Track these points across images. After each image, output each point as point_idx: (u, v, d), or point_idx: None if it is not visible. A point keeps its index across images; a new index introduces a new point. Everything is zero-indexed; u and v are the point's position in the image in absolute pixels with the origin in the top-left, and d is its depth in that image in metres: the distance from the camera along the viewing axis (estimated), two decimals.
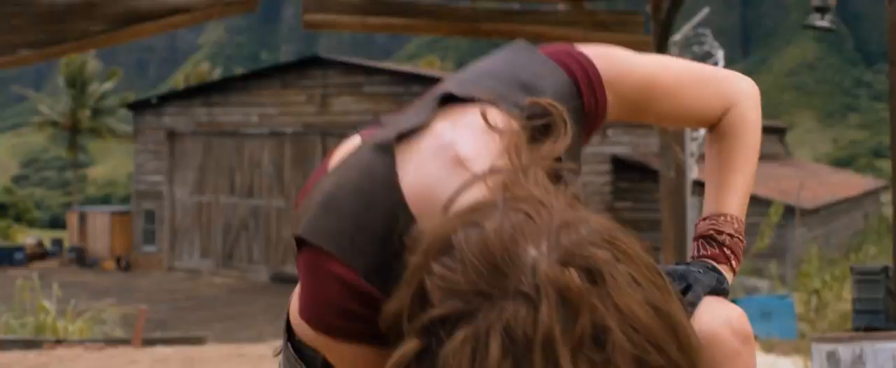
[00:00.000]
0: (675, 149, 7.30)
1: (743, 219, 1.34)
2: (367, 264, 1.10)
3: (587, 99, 1.23)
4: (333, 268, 1.10)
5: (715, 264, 1.27)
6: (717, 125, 1.39)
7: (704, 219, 1.33)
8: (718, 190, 1.36)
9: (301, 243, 1.13)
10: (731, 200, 1.34)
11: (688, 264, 1.26)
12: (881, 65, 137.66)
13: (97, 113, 47.76)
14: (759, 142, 1.39)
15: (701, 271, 1.23)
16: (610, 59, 1.27)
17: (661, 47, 7.22)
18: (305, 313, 1.14)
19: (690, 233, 8.25)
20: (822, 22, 4.28)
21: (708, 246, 1.29)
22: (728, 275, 1.27)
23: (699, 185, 10.86)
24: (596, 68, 1.25)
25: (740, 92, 1.38)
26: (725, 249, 1.29)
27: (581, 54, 1.26)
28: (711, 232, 1.30)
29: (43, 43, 6.42)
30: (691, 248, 1.33)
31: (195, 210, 25.94)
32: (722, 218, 1.32)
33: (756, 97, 1.41)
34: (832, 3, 4.18)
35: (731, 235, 1.30)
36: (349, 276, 1.09)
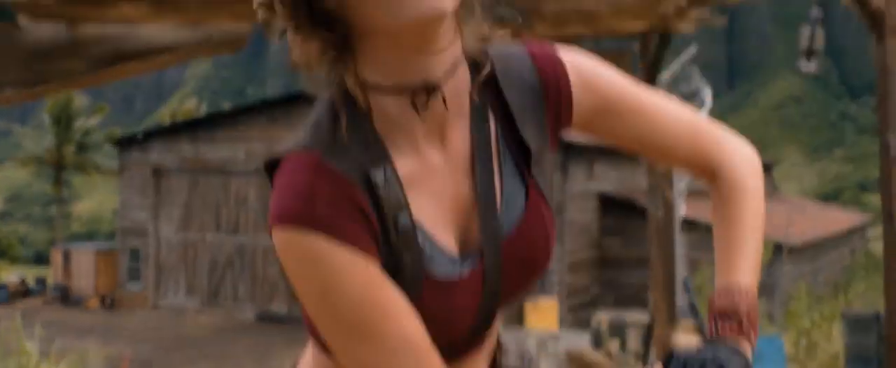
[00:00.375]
0: (664, 187, 7.27)
1: (756, 288, 1.31)
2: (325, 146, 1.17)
3: (547, 76, 1.31)
4: (299, 159, 1.17)
5: (737, 341, 1.25)
6: (713, 182, 1.39)
7: (720, 294, 1.30)
8: (730, 261, 1.33)
9: (271, 169, 1.21)
10: (744, 271, 1.31)
11: (714, 344, 1.23)
12: (866, 98, 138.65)
13: (82, 148, 47.60)
14: (764, 208, 1.36)
15: (728, 355, 1.20)
16: (592, 59, 1.34)
17: (650, 86, 7.19)
18: (290, 213, 1.14)
19: (679, 272, 8.22)
20: (809, 66, 4.26)
21: (728, 323, 1.27)
22: (748, 351, 1.25)
23: (687, 223, 10.85)
24: (556, 51, 1.33)
25: (736, 152, 1.40)
26: (744, 324, 1.26)
27: (552, 46, 1.34)
28: (730, 309, 1.27)
29: (28, 82, 6.36)
30: (708, 324, 1.30)
31: (181, 247, 25.79)
32: (738, 292, 1.29)
33: (756, 164, 1.41)
34: (819, 47, 4.17)
35: (748, 310, 1.27)
36: (314, 158, 1.16)
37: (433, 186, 1.23)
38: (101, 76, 6.39)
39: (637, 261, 20.26)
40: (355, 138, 1.18)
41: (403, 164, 1.21)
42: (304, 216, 1.12)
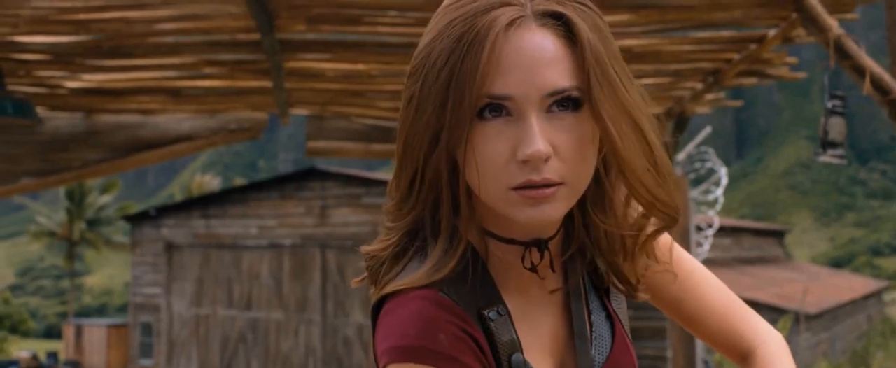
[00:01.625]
0: None
1: None
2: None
3: None
4: (419, 294, 1.17)
5: None
6: (744, 361, 1.43)
7: None
8: None
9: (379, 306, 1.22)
10: None
11: None
12: (875, 163, 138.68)
13: (94, 223, 47.74)
14: None
15: None
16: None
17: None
18: (412, 347, 1.12)
19: (699, 352, 8.13)
20: (828, 158, 4.23)
21: None
22: None
23: None
24: None
25: (771, 333, 1.44)
26: None
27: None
28: None
29: (45, 172, 6.38)
30: None
31: (193, 322, 25.68)
32: None
33: (787, 348, 1.44)
34: (840, 140, 4.13)
35: None
36: (435, 294, 1.17)
37: (535, 324, 1.27)
38: (119, 165, 6.40)
39: (653, 332, 20.10)
40: (470, 278, 1.19)
41: (511, 303, 1.24)
42: (428, 351, 1.12)
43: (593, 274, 1.34)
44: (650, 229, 1.26)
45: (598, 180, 1.22)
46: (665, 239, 1.36)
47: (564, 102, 1.11)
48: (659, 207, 1.20)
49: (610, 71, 1.12)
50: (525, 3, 1.12)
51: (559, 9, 1.12)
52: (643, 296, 1.34)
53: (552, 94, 1.10)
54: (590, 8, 1.15)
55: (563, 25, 1.11)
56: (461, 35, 1.11)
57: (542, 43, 1.10)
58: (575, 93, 1.10)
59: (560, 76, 1.10)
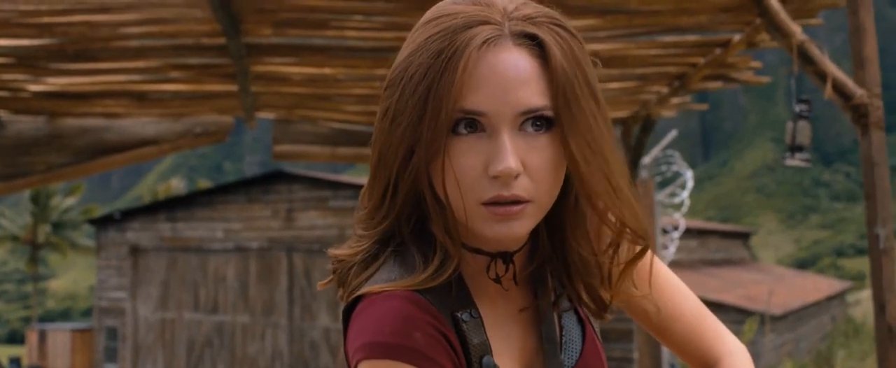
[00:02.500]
0: None
1: None
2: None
3: None
4: (394, 294, 1.18)
5: None
6: None
7: None
8: None
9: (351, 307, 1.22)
10: None
11: None
12: (839, 165, 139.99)
13: (59, 227, 47.28)
14: None
15: None
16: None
17: (632, 171, 7.24)
18: (386, 344, 1.13)
19: (665, 355, 8.17)
20: (795, 161, 4.26)
21: None
22: None
23: None
24: None
25: (736, 346, 1.47)
26: None
27: None
28: None
29: (9, 176, 6.32)
30: None
31: (159, 326, 25.51)
32: None
33: (751, 360, 1.47)
34: (807, 143, 4.17)
35: None
36: (410, 293, 1.18)
37: (505, 330, 1.28)
38: (83, 169, 6.35)
39: (620, 335, 20.20)
40: (444, 283, 1.21)
41: (483, 310, 1.25)
42: (404, 348, 1.12)
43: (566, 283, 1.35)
44: (626, 256, 1.27)
45: (577, 205, 1.23)
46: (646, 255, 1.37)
47: (538, 121, 1.13)
48: (627, 232, 1.21)
49: (579, 96, 1.13)
50: (503, 23, 1.13)
51: (535, 30, 1.13)
52: (610, 317, 1.34)
53: (524, 113, 1.11)
54: (566, 30, 1.16)
55: (538, 46, 1.13)
56: (440, 50, 1.12)
57: (517, 62, 1.11)
58: (548, 113, 1.12)
59: (533, 95, 1.12)
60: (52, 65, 5.31)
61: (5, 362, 35.44)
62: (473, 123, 1.12)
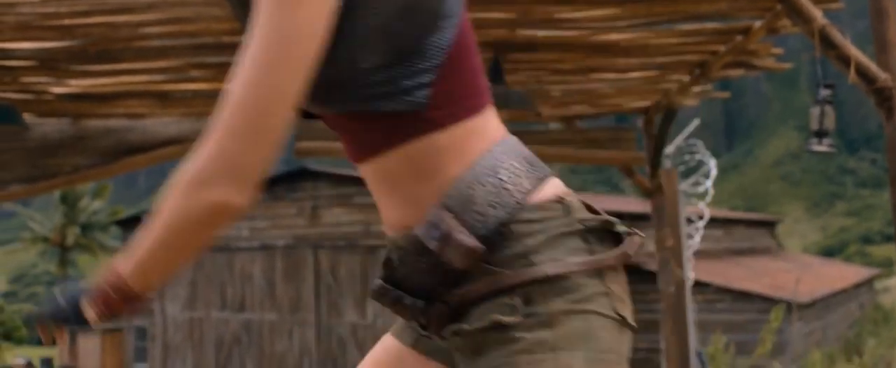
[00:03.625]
0: (674, 263, 7.23)
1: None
2: None
3: None
4: None
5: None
6: None
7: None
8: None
9: None
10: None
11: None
12: (864, 152, 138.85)
13: (87, 228, 47.55)
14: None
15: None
16: None
17: (655, 161, 7.21)
18: None
19: (692, 344, 8.13)
20: (820, 147, 4.22)
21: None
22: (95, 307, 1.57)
23: (696, 285, 10.80)
24: None
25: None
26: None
27: None
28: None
29: (34, 178, 6.36)
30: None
31: (187, 325, 25.65)
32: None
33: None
34: (831, 129, 4.13)
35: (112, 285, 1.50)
36: None
37: None
38: (107, 170, 6.38)
39: (647, 325, 20.15)
40: None
41: None
42: None
43: None
44: None
45: None
46: None
47: None
48: None
49: None
50: None
51: None
52: None
53: None
54: None
55: None
56: None
57: None
58: None
59: None
60: (75, 67, 5.34)
61: (37, 363, 35.66)
62: None
